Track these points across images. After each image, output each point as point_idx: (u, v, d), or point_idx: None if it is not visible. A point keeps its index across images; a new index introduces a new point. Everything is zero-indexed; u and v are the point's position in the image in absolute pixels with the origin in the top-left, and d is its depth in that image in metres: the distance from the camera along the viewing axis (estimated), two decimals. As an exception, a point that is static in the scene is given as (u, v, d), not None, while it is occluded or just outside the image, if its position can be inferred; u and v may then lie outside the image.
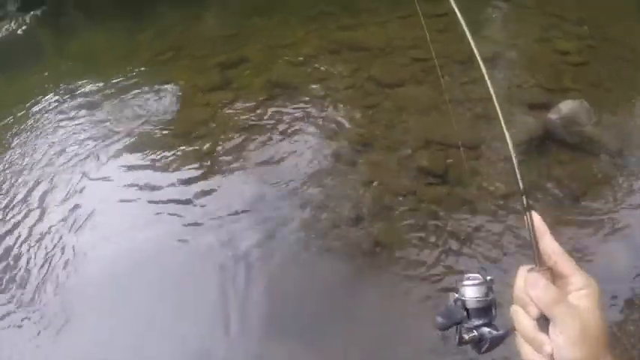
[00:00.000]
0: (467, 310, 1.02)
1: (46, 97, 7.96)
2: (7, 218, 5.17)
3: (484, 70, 1.06)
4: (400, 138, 4.42)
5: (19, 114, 7.75)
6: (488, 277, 1.03)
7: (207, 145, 5.16)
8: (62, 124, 6.86)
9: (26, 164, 6.14)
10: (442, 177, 4.03)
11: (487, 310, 1.01)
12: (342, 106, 4.95)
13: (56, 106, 7.49)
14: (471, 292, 1.02)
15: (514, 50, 5.86)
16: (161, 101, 6.28)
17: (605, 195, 4.01)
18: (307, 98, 5.17)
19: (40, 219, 4.99)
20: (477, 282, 1.03)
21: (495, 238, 3.62)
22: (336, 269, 3.66)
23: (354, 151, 4.43)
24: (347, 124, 4.74)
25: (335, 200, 4.10)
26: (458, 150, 4.21)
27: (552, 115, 4.39)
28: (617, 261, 3.53)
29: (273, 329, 3.42)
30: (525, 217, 0.91)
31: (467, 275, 1.04)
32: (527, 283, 0.83)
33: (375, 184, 4.08)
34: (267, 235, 3.98)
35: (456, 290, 1.04)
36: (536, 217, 0.89)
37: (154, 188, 4.85)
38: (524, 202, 0.92)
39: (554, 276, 0.84)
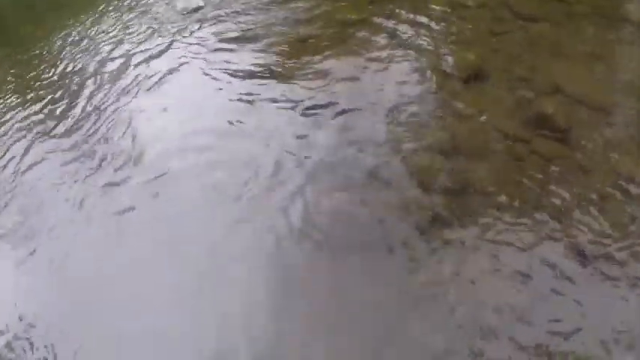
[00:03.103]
0: None
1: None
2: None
3: None
4: (524, 76, 3.74)
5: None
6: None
7: (307, 31, 4.66)
8: None
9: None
10: (563, 133, 3.38)
11: None
12: (466, 25, 4.27)
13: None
14: None
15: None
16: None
17: None
18: (430, 7, 4.49)
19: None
20: None
21: (607, 219, 3.00)
22: (415, 201, 3.16)
23: (467, 76, 3.80)
24: (465, 47, 4.08)
25: (430, 124, 3.54)
26: (589, 109, 3.53)
27: None
28: None
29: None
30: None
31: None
32: None
33: (482, 118, 3.48)
34: (351, 147, 3.56)
35: None
36: None
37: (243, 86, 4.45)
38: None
39: None
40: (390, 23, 4.44)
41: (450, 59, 4.00)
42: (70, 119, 4.64)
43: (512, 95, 3.62)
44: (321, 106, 3.90)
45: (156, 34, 5.37)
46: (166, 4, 5.97)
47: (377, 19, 4.52)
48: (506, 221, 2.95)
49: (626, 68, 3.93)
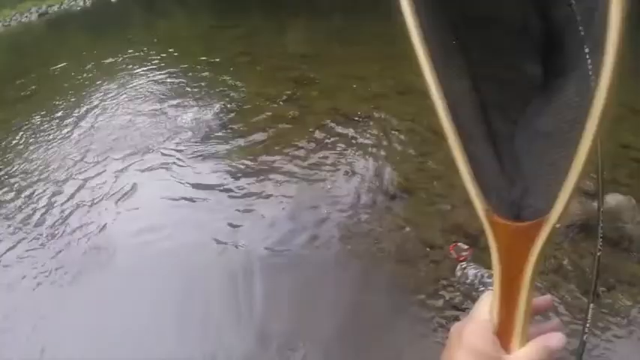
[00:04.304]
0: None
1: (120, 65, 8.56)
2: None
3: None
4: (444, 192, 4.54)
5: (95, 71, 8.39)
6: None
7: (258, 153, 5.45)
8: (127, 90, 7.42)
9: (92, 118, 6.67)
10: (474, 238, 4.11)
11: None
12: (396, 148, 5.12)
13: (126, 74, 8.10)
14: None
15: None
16: (227, 99, 6.59)
17: (632, 295, 3.97)
18: (365, 132, 5.36)
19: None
20: None
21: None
22: (343, 303, 3.81)
23: (396, 193, 4.59)
24: (396, 167, 4.91)
25: (360, 235, 4.27)
26: (495, 216, 4.29)
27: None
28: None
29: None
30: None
31: None
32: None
33: (406, 229, 4.22)
34: (281, 258, 4.23)
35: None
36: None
37: (196, 186, 5.22)
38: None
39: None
40: (331, 150, 5.28)
41: (381, 178, 4.80)
42: (44, 215, 5.29)
43: (433, 209, 4.40)
44: (256, 226, 4.59)
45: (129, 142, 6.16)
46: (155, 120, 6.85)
47: (318, 143, 5.35)
48: (427, 317, 3.60)
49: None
